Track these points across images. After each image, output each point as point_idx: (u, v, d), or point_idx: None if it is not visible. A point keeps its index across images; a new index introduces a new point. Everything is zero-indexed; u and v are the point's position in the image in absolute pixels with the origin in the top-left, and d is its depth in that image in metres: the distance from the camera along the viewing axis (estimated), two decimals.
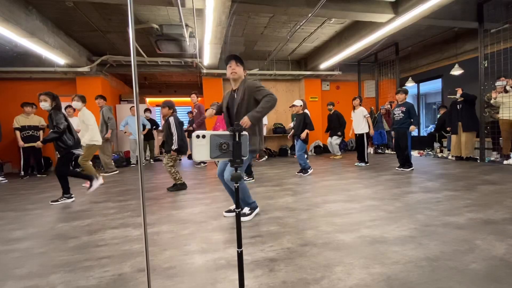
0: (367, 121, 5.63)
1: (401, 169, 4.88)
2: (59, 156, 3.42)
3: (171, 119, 3.77)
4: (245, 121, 2.26)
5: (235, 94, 2.49)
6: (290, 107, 6.34)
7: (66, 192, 3.47)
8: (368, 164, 5.66)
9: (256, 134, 2.46)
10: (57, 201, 3.41)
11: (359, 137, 5.76)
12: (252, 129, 2.39)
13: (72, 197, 3.50)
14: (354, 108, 5.84)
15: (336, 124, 6.74)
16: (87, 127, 4.29)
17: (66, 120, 3.38)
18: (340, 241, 1.92)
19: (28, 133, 5.87)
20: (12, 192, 4.30)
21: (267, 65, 7.86)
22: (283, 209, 2.76)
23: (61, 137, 3.32)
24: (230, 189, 2.57)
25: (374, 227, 2.16)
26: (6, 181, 5.37)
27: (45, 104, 3.31)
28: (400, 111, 4.83)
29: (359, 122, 5.70)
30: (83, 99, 4.28)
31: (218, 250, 1.87)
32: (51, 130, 3.27)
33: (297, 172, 4.92)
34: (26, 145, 5.79)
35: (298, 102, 4.84)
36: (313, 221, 2.38)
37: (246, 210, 2.56)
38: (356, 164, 5.73)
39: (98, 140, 4.42)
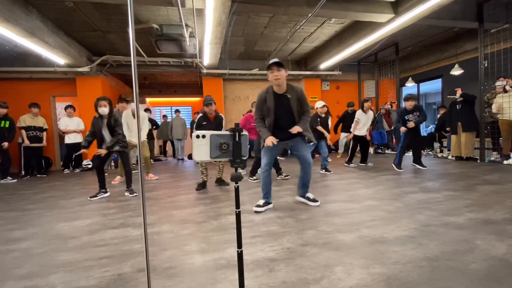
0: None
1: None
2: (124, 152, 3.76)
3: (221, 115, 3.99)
4: (298, 128, 2.60)
5: (283, 99, 2.67)
6: None
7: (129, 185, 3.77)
8: (351, 165, 5.55)
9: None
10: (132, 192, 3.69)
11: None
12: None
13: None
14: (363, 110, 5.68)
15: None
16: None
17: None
18: (340, 241, 1.92)
19: (32, 133, 5.91)
20: (12, 192, 4.30)
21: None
22: (283, 209, 2.76)
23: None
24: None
25: (374, 227, 2.16)
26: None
27: (105, 110, 3.52)
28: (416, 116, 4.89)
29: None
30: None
31: (218, 250, 1.87)
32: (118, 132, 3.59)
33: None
34: (30, 145, 5.80)
35: None
36: (313, 221, 2.38)
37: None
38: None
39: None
